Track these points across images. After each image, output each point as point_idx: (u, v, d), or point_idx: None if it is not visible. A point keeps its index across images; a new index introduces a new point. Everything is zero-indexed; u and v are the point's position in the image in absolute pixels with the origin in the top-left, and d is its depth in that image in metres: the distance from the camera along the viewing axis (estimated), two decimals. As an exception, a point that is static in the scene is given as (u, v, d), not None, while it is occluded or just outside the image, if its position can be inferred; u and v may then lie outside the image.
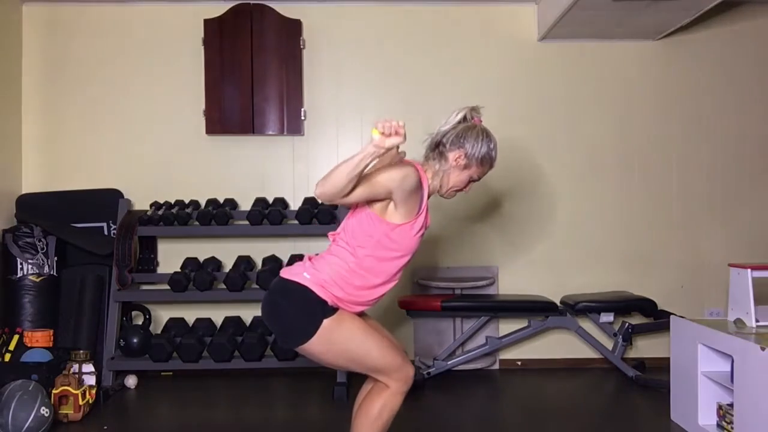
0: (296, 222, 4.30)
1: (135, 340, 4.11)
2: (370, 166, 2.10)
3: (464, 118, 2.33)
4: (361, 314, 2.40)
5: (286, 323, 2.28)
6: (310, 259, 2.35)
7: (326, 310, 2.24)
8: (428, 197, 2.31)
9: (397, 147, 2.15)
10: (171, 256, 4.54)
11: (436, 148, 2.34)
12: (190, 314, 4.45)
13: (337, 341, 2.25)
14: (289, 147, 4.64)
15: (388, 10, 4.64)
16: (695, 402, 3.23)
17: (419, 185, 2.21)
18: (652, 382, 4.10)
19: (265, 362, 4.09)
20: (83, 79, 4.58)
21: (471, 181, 2.37)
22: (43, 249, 4.18)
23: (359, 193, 2.11)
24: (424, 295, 4.44)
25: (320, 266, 2.29)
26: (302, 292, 2.24)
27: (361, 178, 2.08)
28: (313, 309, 2.23)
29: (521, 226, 4.67)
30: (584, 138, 4.68)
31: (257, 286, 4.16)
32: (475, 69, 4.64)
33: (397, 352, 2.35)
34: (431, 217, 2.43)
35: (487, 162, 2.33)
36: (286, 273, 2.32)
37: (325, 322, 2.22)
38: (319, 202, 4.39)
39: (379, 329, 2.44)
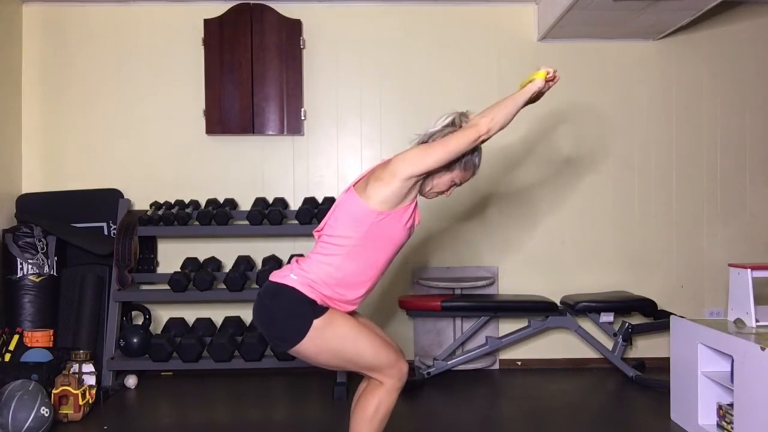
0: (296, 222, 4.30)
1: (135, 340, 4.11)
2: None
3: (453, 123, 2.34)
4: (352, 313, 2.39)
5: (277, 326, 2.27)
6: (297, 260, 2.35)
7: (316, 310, 2.23)
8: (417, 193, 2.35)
9: None
10: (171, 256, 4.54)
11: None
12: (190, 314, 4.45)
13: (329, 341, 2.24)
14: (289, 147, 4.64)
15: (388, 10, 4.64)
16: (695, 402, 3.23)
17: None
18: (652, 382, 4.11)
19: (265, 362, 4.09)
20: (83, 79, 4.58)
21: (453, 185, 2.39)
22: (43, 249, 4.18)
23: None
24: (424, 295, 4.44)
25: (307, 266, 2.29)
26: (290, 293, 2.23)
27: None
28: (302, 310, 2.22)
29: (521, 226, 4.67)
30: (584, 138, 4.68)
31: (257, 286, 4.17)
32: (474, 69, 4.64)
33: (389, 348, 2.34)
34: (423, 216, 2.43)
35: (470, 168, 2.36)
36: (274, 276, 2.32)
37: (316, 322, 2.21)
38: (318, 201, 4.40)
39: (370, 327, 2.44)
